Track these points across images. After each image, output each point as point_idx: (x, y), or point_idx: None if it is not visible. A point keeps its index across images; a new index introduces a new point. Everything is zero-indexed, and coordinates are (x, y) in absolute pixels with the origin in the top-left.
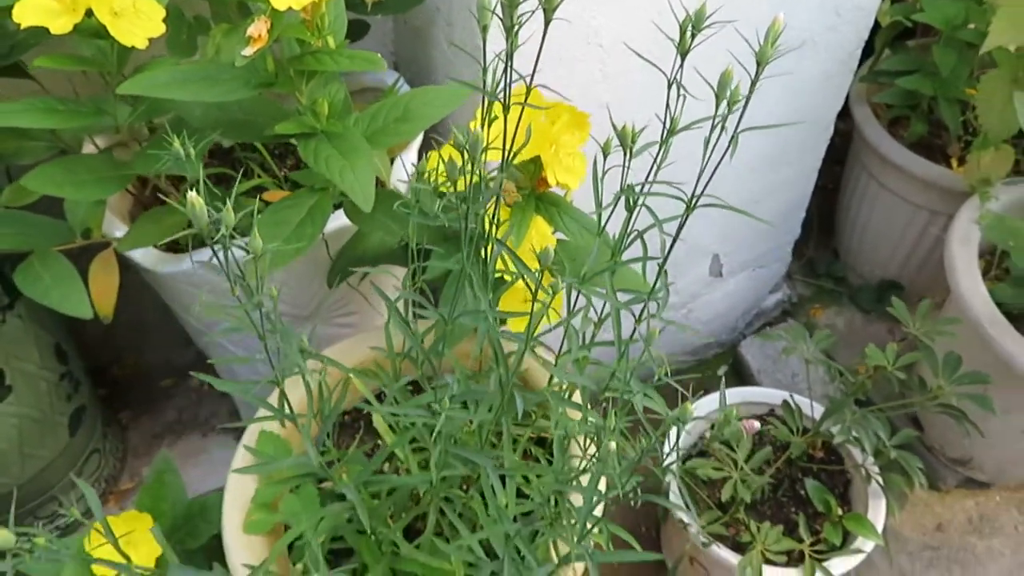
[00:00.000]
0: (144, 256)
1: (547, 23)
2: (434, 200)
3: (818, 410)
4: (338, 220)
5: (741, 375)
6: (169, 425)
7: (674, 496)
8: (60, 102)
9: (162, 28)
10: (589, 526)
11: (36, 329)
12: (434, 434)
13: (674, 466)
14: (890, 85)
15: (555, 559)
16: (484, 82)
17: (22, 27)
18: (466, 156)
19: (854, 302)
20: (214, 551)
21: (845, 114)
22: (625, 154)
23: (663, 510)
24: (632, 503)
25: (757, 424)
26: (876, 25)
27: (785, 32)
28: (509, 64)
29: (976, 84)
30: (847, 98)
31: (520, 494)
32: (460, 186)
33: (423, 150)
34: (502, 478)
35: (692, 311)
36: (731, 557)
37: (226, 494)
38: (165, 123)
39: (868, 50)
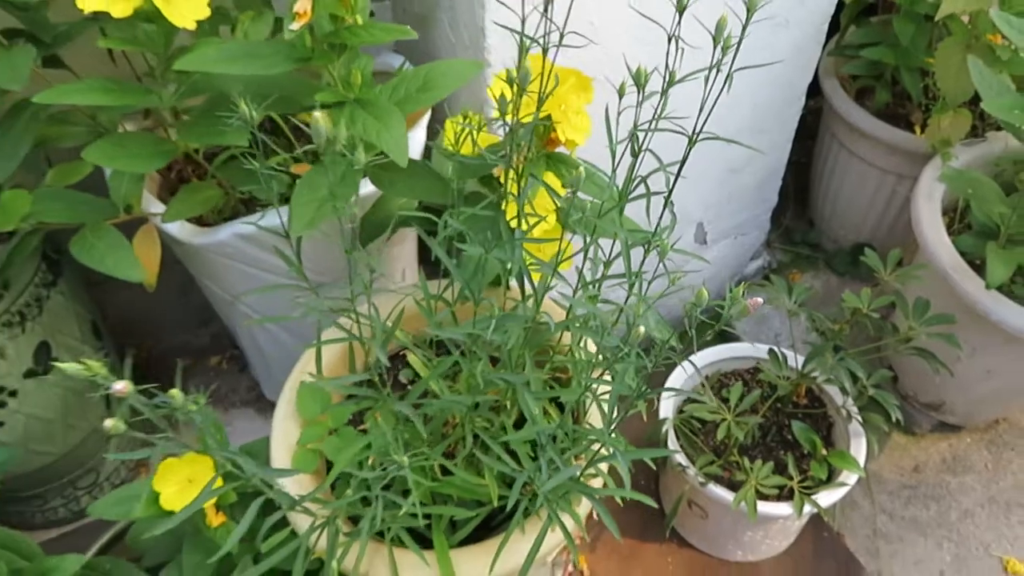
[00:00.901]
0: (180, 230)
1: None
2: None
3: (801, 361)
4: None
5: (727, 338)
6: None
7: (672, 443)
8: (113, 82)
9: (208, 11)
10: (611, 428)
11: (76, 306)
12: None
13: (672, 414)
14: (856, 57)
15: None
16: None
17: (85, 11)
18: (513, 91)
19: (829, 266)
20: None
21: (816, 92)
22: (639, 93)
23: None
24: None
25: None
26: (841, 3)
27: (763, 12)
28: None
29: (934, 53)
30: (817, 72)
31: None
32: (476, 147)
33: (429, 128)
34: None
35: (679, 278)
36: (727, 494)
37: (272, 439)
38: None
39: (835, 27)
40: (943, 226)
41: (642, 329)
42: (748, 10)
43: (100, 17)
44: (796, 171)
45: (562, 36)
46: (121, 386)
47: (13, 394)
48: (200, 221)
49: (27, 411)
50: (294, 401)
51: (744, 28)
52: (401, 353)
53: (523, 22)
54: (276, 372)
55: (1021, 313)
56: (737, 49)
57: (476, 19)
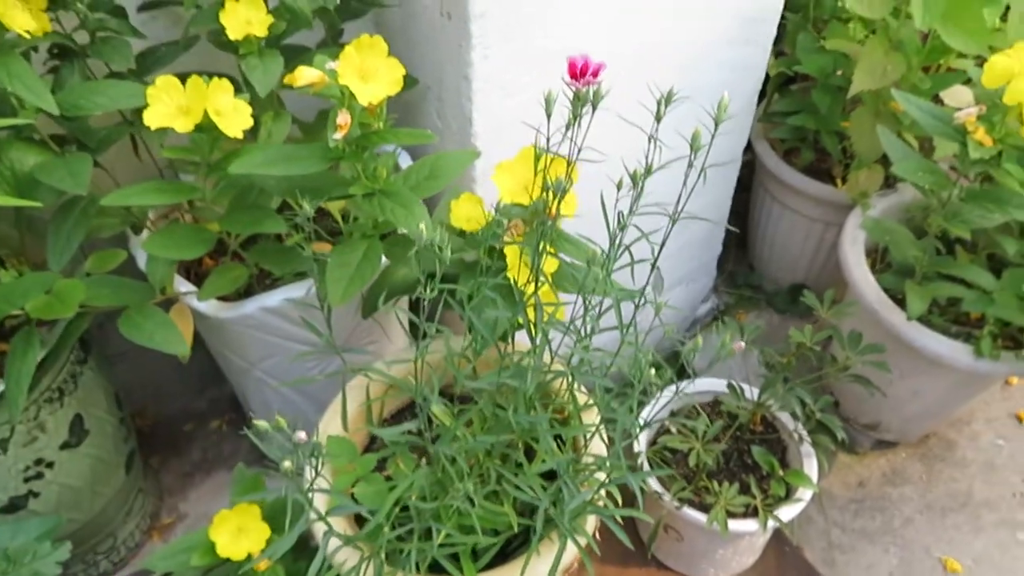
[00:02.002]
0: (209, 307)
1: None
2: (455, 239)
3: (755, 392)
4: None
5: (686, 375)
6: (197, 464)
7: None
8: (164, 183)
9: (251, 122)
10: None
11: (103, 380)
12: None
13: (645, 447)
14: (782, 123)
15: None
16: (547, 143)
17: (152, 128)
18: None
19: (771, 305)
20: (300, 540)
21: (748, 149)
22: (635, 187)
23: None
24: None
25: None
26: (767, 76)
27: (701, 89)
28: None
29: (849, 118)
30: (749, 136)
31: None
32: (476, 227)
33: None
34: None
35: (640, 320)
36: (700, 516)
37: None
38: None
39: (762, 95)
40: (867, 267)
41: (652, 371)
42: (716, 123)
43: (135, 123)
44: (735, 220)
45: (579, 150)
46: (303, 435)
47: (50, 465)
48: (221, 297)
49: (61, 481)
50: (323, 454)
51: (712, 138)
52: (409, 405)
53: (548, 140)
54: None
55: (939, 340)
56: (708, 150)
57: (463, 111)
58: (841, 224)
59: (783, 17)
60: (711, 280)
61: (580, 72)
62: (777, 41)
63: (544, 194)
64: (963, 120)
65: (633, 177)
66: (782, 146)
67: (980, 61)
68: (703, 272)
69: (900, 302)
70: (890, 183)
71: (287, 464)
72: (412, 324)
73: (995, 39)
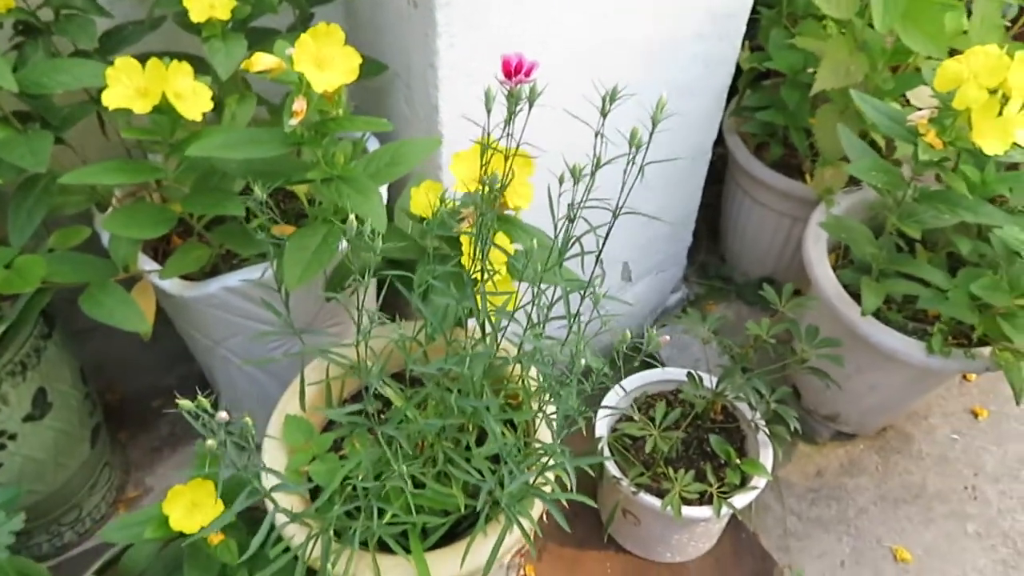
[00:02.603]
0: (172, 285)
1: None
2: (415, 225)
3: (715, 382)
4: None
5: (651, 364)
6: (164, 439)
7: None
8: (126, 163)
9: (210, 105)
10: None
11: (67, 355)
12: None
13: (606, 433)
14: (752, 118)
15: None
16: (485, 140)
17: (110, 109)
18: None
19: (740, 297)
20: (257, 517)
21: (721, 142)
22: (575, 182)
23: (599, 470)
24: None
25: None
26: (739, 71)
27: (672, 84)
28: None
29: (816, 115)
30: (721, 129)
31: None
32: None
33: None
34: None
35: (608, 311)
36: (656, 501)
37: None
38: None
39: (734, 90)
40: (828, 263)
41: (583, 361)
42: (653, 122)
43: (99, 102)
44: (707, 212)
45: (518, 145)
46: (224, 415)
47: (12, 437)
48: (186, 276)
49: (24, 453)
50: (280, 432)
51: (651, 135)
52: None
53: (488, 134)
54: (252, 410)
55: (892, 336)
56: (647, 148)
57: (430, 98)
58: (808, 219)
59: (758, 12)
60: (681, 270)
61: (514, 71)
62: (753, 36)
63: (483, 186)
64: (915, 122)
65: (573, 171)
66: (753, 140)
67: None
68: (672, 263)
69: (858, 298)
70: (856, 181)
71: (210, 443)
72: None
73: (958, 42)
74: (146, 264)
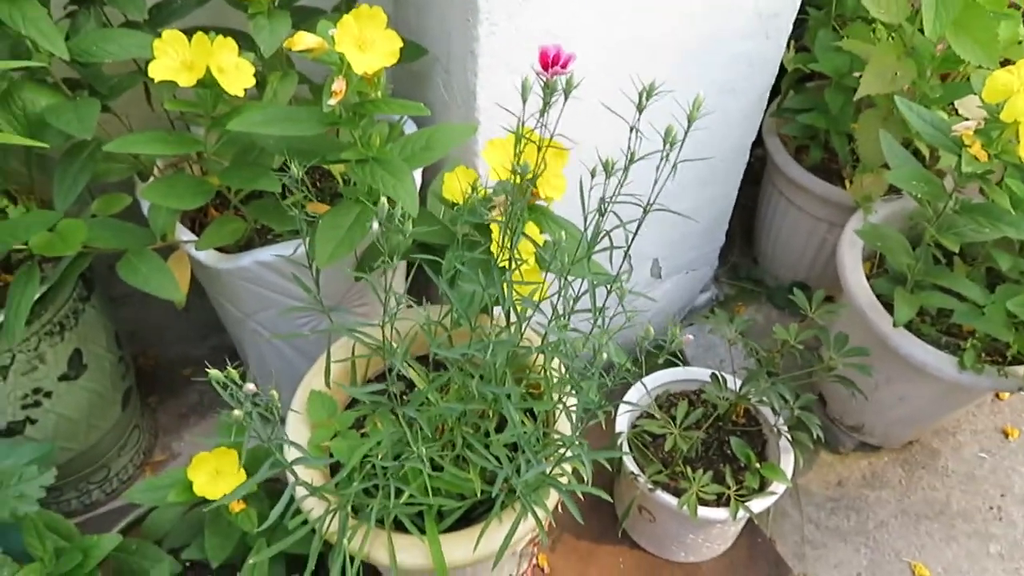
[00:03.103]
0: (207, 256)
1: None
2: (446, 210)
3: (739, 384)
4: None
5: (675, 362)
6: (193, 407)
7: (626, 454)
8: (169, 134)
9: (252, 81)
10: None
11: (104, 319)
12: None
13: (626, 429)
14: (793, 120)
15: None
16: (519, 129)
17: (156, 81)
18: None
19: (771, 300)
20: (279, 489)
21: (760, 143)
22: (607, 176)
23: (617, 465)
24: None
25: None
26: (783, 70)
27: (714, 81)
28: (545, 116)
29: (859, 119)
30: (760, 130)
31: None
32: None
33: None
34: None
35: (636, 308)
36: (672, 500)
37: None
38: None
39: (777, 90)
40: (863, 271)
41: (605, 355)
42: (689, 121)
43: (146, 72)
44: (743, 213)
45: (552, 136)
46: (251, 387)
47: (48, 395)
48: (221, 248)
49: (58, 411)
50: (304, 407)
51: (686, 133)
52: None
53: (522, 124)
54: (278, 384)
55: (924, 349)
56: (682, 146)
57: (468, 84)
58: (844, 225)
59: (806, 13)
60: (712, 270)
61: (551, 62)
62: (799, 37)
63: (514, 175)
64: (961, 133)
65: (606, 166)
66: (793, 143)
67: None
68: (704, 262)
69: (892, 308)
70: (895, 188)
71: (237, 413)
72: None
73: (1012, 52)
74: (183, 234)
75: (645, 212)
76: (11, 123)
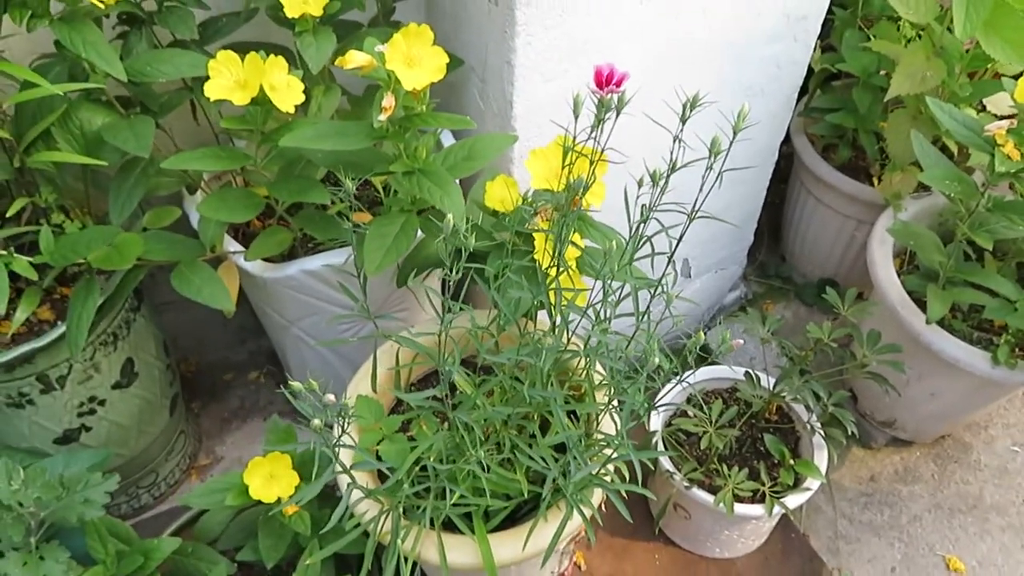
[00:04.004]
0: (254, 266)
1: (617, 116)
2: (486, 217)
3: (772, 382)
4: None
5: (707, 361)
6: (234, 411)
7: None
8: (220, 150)
9: (302, 97)
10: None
11: (153, 327)
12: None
13: (660, 428)
14: (821, 119)
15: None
16: (574, 140)
17: (211, 100)
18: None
19: (799, 298)
20: (325, 490)
21: (787, 141)
22: (654, 184)
23: (652, 464)
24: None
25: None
26: (810, 70)
27: (744, 85)
28: (598, 132)
29: (887, 118)
30: (788, 129)
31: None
32: (508, 208)
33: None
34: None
35: (661, 308)
36: (708, 497)
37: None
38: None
39: (804, 89)
40: (894, 268)
41: (656, 360)
42: (735, 131)
43: (194, 89)
44: (770, 211)
45: (602, 151)
46: (332, 397)
47: (102, 403)
48: (267, 258)
49: (111, 418)
50: (352, 412)
51: (731, 143)
52: (435, 372)
53: (575, 135)
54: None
55: (957, 345)
56: (726, 157)
57: (505, 94)
58: (873, 223)
59: (832, 13)
60: (740, 269)
61: (605, 81)
62: (825, 36)
63: (569, 188)
64: (993, 132)
65: (653, 176)
66: (821, 142)
67: (1022, 71)
68: (732, 261)
69: (923, 305)
70: (925, 186)
71: (316, 422)
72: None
73: None
74: (230, 245)
75: (690, 219)
76: (69, 142)
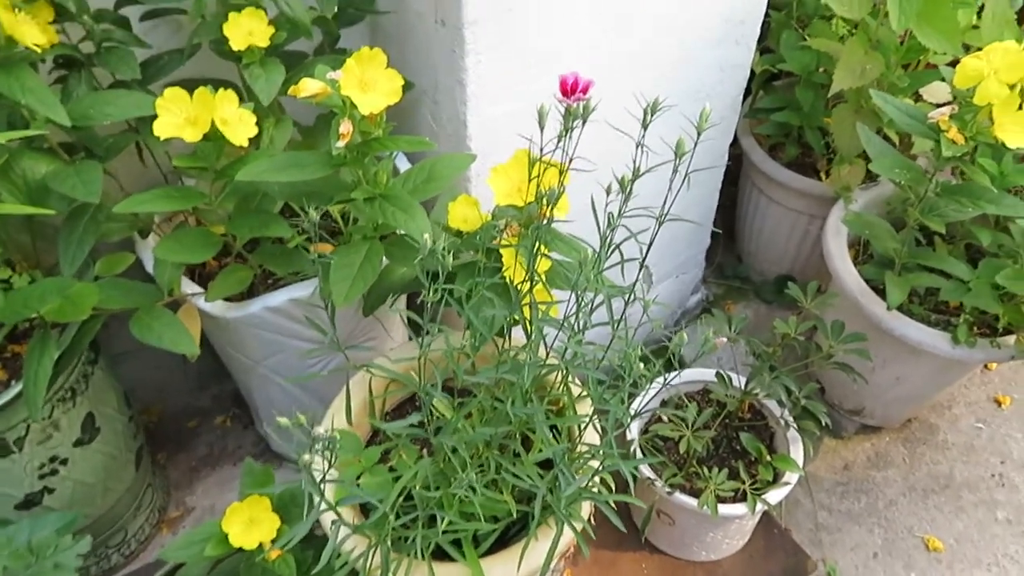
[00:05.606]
0: (215, 307)
1: (584, 124)
2: (450, 238)
3: (743, 381)
4: None
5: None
6: (202, 459)
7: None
8: (173, 190)
9: (255, 130)
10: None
11: (112, 379)
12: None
13: (637, 436)
14: (767, 119)
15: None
16: (540, 153)
17: (161, 139)
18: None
19: (758, 296)
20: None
21: (735, 143)
22: (622, 192)
23: (633, 473)
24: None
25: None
26: (751, 73)
27: (690, 89)
28: (566, 141)
29: (831, 114)
30: (736, 131)
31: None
32: (472, 227)
33: None
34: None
35: (631, 314)
36: (691, 501)
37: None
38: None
39: (747, 91)
40: (850, 258)
41: (640, 367)
42: (698, 132)
43: (140, 130)
44: (723, 213)
45: (571, 161)
46: (322, 429)
47: (64, 462)
48: (227, 297)
49: (75, 477)
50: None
51: (695, 146)
52: (410, 398)
53: (542, 149)
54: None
55: (918, 328)
56: (691, 159)
57: (458, 113)
58: (825, 216)
59: (767, 15)
60: (700, 272)
61: (571, 89)
62: (761, 38)
63: (538, 200)
64: (937, 119)
65: (621, 183)
66: (768, 141)
67: (954, 59)
68: (692, 264)
69: (881, 292)
70: (872, 176)
71: (307, 457)
72: (412, 321)
73: (970, 37)
74: (188, 287)
75: (659, 223)
76: (13, 193)
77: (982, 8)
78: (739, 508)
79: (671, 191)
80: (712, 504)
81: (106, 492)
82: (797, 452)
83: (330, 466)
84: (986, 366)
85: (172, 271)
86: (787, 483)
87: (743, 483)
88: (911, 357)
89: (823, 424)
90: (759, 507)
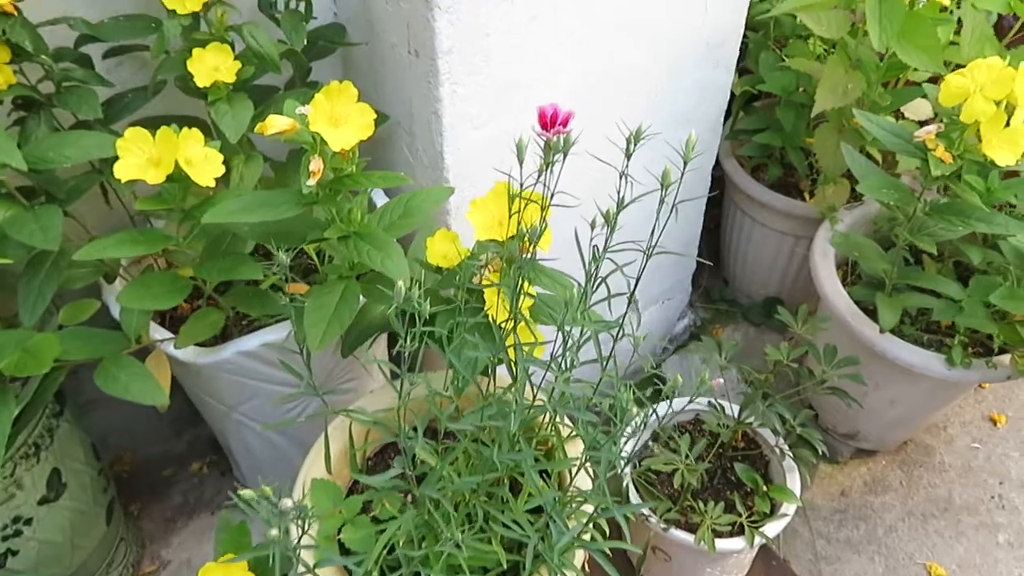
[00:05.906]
0: (186, 353)
1: (564, 158)
2: (429, 275)
3: (735, 409)
4: None
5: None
6: (178, 509)
7: (632, 496)
8: (139, 233)
9: (222, 169)
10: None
11: (79, 431)
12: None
13: (629, 471)
14: (748, 141)
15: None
16: (520, 187)
17: (123, 181)
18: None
19: (746, 319)
20: None
21: (717, 165)
22: (607, 225)
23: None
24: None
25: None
26: (731, 95)
27: (671, 114)
28: (547, 175)
29: (813, 134)
30: (718, 153)
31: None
32: (452, 263)
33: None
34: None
35: (619, 349)
36: (687, 536)
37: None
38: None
39: (727, 114)
40: (838, 279)
41: (634, 409)
42: (684, 161)
43: (104, 171)
44: (708, 237)
45: (553, 195)
46: (289, 502)
47: (28, 522)
48: (198, 343)
49: (40, 537)
50: (308, 498)
51: (682, 175)
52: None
53: (522, 183)
54: (268, 473)
55: (912, 351)
56: (679, 188)
57: (435, 145)
58: (811, 237)
59: (745, 36)
60: (687, 297)
61: (550, 122)
62: (740, 60)
63: (519, 236)
64: (923, 138)
65: (606, 216)
66: (750, 163)
67: (934, 76)
68: (678, 290)
69: (871, 313)
70: (857, 196)
71: (274, 532)
72: (393, 362)
73: (949, 54)
74: (157, 333)
75: (647, 256)
76: None
77: (960, 25)
78: (737, 542)
79: (659, 221)
80: (709, 539)
81: (75, 550)
82: (794, 481)
83: (303, 533)
84: (979, 384)
85: (139, 318)
86: (785, 515)
87: (740, 516)
88: (905, 379)
89: (819, 453)
90: (757, 540)
